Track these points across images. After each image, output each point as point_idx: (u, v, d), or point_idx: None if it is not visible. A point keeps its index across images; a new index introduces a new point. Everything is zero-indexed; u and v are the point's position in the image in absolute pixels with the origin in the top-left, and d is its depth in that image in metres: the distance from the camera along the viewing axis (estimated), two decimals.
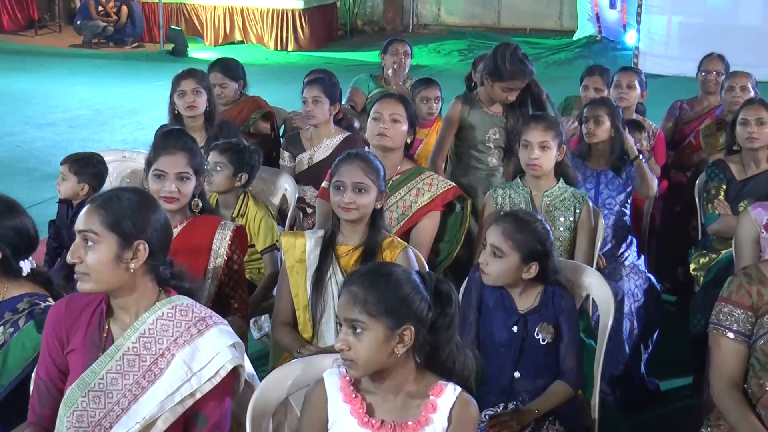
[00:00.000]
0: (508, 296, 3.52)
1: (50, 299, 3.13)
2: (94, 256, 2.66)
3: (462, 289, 3.74)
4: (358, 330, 2.52)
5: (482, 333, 3.56)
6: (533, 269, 3.47)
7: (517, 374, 3.45)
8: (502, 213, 3.71)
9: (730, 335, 3.12)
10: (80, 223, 2.70)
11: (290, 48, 17.27)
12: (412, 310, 2.56)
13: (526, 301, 3.52)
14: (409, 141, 4.47)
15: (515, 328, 3.48)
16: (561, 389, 3.46)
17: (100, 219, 2.68)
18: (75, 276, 2.70)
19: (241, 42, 17.63)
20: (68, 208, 4.81)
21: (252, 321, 4.99)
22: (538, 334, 3.47)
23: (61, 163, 4.83)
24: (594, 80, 6.35)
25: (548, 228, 3.57)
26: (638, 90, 6.11)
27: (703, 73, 6.53)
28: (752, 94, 5.82)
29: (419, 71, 12.02)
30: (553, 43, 17.64)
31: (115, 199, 2.73)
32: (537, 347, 3.47)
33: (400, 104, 4.46)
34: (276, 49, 17.23)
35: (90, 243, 2.67)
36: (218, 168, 4.56)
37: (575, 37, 17.52)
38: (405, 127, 4.41)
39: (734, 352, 3.12)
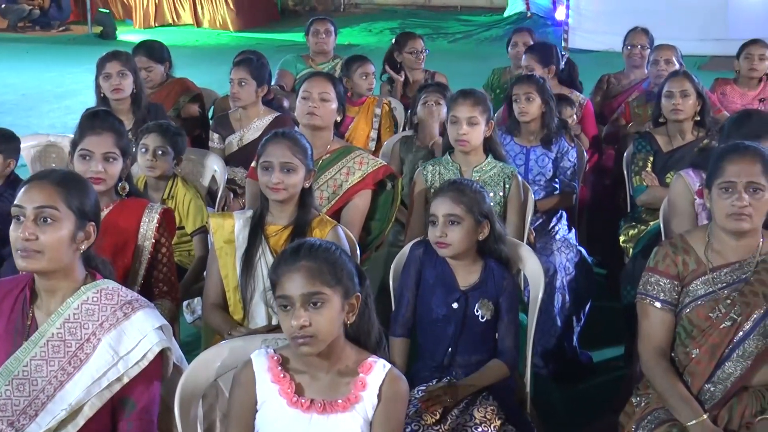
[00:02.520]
0: (449, 273, 3.52)
1: None
2: (54, 234, 2.62)
3: (392, 267, 3.74)
4: (318, 303, 2.52)
5: (419, 309, 3.56)
6: (486, 228, 3.51)
7: (452, 350, 3.46)
8: (437, 187, 3.70)
9: (657, 304, 3.17)
10: (37, 199, 2.64)
11: (222, 29, 17.10)
12: (354, 280, 2.62)
13: (467, 277, 3.52)
14: (338, 119, 4.47)
15: (455, 305, 3.47)
16: (497, 367, 3.47)
17: (61, 197, 2.65)
18: (20, 254, 2.63)
19: (172, 24, 17.42)
20: None
21: (185, 304, 4.96)
22: (477, 311, 3.46)
23: None
24: (522, 35, 6.64)
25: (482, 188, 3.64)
26: (541, 68, 6.12)
27: (628, 47, 6.61)
28: (677, 67, 5.91)
29: (350, 50, 11.97)
30: (484, 20, 17.70)
31: (71, 179, 2.72)
32: (476, 324, 3.48)
33: (328, 83, 4.45)
34: (209, 28, 17.05)
35: (49, 221, 2.63)
36: (161, 152, 4.51)
37: (506, 14, 17.60)
38: (334, 105, 4.41)
39: (661, 321, 3.17)
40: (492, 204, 4.34)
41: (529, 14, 17.21)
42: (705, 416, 2.96)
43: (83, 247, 2.70)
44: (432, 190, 4.44)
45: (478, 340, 3.49)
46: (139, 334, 2.66)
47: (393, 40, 6.97)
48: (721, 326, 3.07)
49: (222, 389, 2.87)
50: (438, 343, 3.49)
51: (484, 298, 3.48)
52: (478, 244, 3.54)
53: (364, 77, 6.00)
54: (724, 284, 3.12)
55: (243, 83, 5.41)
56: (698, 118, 5.01)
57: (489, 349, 3.51)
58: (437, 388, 3.34)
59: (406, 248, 3.74)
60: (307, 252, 2.58)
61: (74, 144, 3.81)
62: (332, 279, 2.54)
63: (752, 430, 2.93)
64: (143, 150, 4.51)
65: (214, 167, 5.13)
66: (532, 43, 6.48)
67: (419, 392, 3.33)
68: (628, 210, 5.29)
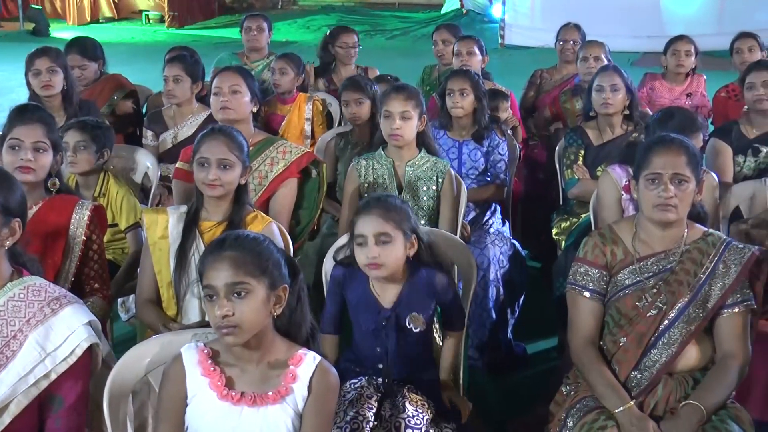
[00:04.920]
0: (370, 294, 3.38)
1: None
2: None
3: (326, 259, 3.75)
4: (243, 293, 2.52)
5: (351, 317, 3.49)
6: (415, 242, 3.37)
7: (380, 366, 3.38)
8: (362, 203, 3.58)
9: (587, 294, 3.22)
10: None
11: (159, 26, 16.96)
12: (282, 272, 2.62)
13: (392, 293, 3.38)
14: (254, 110, 4.48)
15: (384, 322, 3.36)
16: (452, 339, 3.55)
17: None
18: None
19: (108, 20, 17.23)
20: None
21: (119, 302, 4.92)
22: (409, 324, 3.35)
23: None
24: (440, 33, 6.70)
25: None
26: (479, 56, 6.21)
27: (561, 43, 6.69)
28: (605, 63, 5.97)
29: (289, 48, 11.97)
30: (422, 17, 17.81)
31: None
32: (410, 335, 3.38)
33: (238, 75, 4.49)
34: (145, 24, 16.90)
35: None
36: (81, 147, 4.46)
37: (443, 11, 17.72)
38: (247, 97, 4.44)
39: (590, 310, 3.23)
40: (425, 198, 4.40)
41: (465, 11, 17.32)
42: (631, 403, 3.01)
43: (8, 243, 2.67)
44: (366, 185, 4.46)
45: (413, 352, 3.42)
46: (67, 330, 2.63)
47: (327, 33, 6.97)
48: (648, 315, 3.14)
49: (153, 385, 2.85)
50: (372, 350, 3.41)
51: (413, 312, 3.35)
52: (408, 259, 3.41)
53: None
54: (651, 274, 3.18)
55: (178, 80, 5.37)
56: (627, 113, 5.08)
57: (423, 358, 3.48)
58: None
59: (340, 241, 3.73)
60: (232, 242, 2.58)
61: (2, 138, 3.75)
62: (257, 269, 2.55)
63: (676, 415, 2.98)
64: (65, 147, 4.46)
65: (147, 164, 5.10)
66: (452, 40, 6.56)
67: (351, 386, 3.32)
68: (561, 203, 5.36)
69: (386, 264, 3.28)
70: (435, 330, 3.68)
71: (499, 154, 5.14)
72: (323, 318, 3.54)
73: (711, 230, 3.28)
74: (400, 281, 3.38)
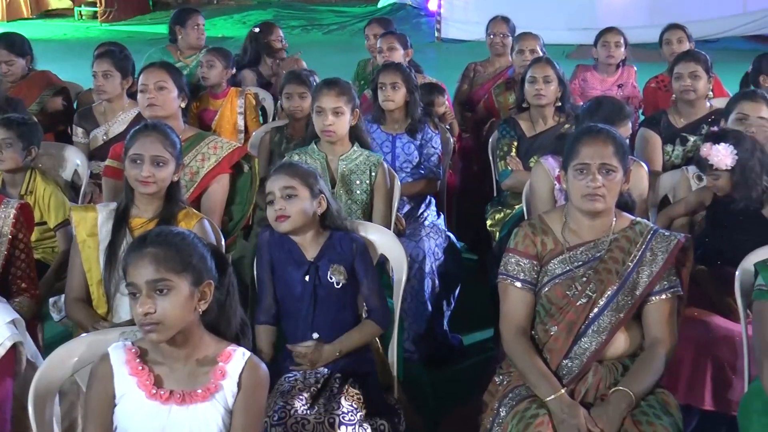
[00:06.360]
0: (296, 248, 3.55)
1: None
2: None
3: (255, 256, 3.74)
4: (165, 290, 2.50)
5: (279, 292, 3.57)
6: (323, 202, 3.56)
7: (315, 335, 3.46)
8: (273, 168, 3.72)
9: (518, 284, 3.24)
10: None
11: (92, 22, 16.75)
12: (208, 267, 2.60)
13: (313, 248, 3.55)
14: (182, 106, 4.45)
15: (307, 277, 3.50)
16: (369, 326, 3.56)
17: None
18: None
19: (41, 16, 16.97)
20: None
21: (51, 302, 4.83)
22: (331, 278, 3.50)
23: None
24: (372, 28, 6.86)
25: None
26: (401, 51, 6.23)
27: (491, 36, 6.73)
28: (540, 55, 6.02)
29: (225, 43, 11.86)
30: (359, 11, 17.79)
31: None
32: (332, 293, 3.50)
33: (164, 71, 4.46)
34: (77, 20, 16.69)
35: None
36: (7, 144, 4.39)
37: (380, 5, 17.73)
38: (174, 93, 4.41)
39: (521, 300, 3.24)
40: (359, 192, 4.40)
41: (403, 4, 17.34)
42: (563, 391, 3.04)
43: None
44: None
45: (336, 318, 3.51)
46: None
47: (257, 29, 6.93)
48: (578, 303, 3.16)
49: (81, 385, 2.81)
50: (298, 324, 3.50)
51: (334, 263, 3.52)
52: (321, 220, 3.58)
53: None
54: (580, 263, 3.21)
55: (107, 75, 5.29)
56: (559, 104, 5.12)
57: (350, 323, 3.55)
58: (303, 347, 3.39)
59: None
60: (154, 239, 2.56)
61: None
62: (179, 266, 2.52)
63: (606, 401, 3.01)
64: None
65: (76, 161, 5.03)
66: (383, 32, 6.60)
67: (286, 380, 3.33)
68: (495, 195, 5.39)
69: (292, 216, 3.48)
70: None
71: (433, 147, 5.16)
72: (258, 308, 3.56)
73: (638, 219, 3.32)
74: (319, 238, 3.58)
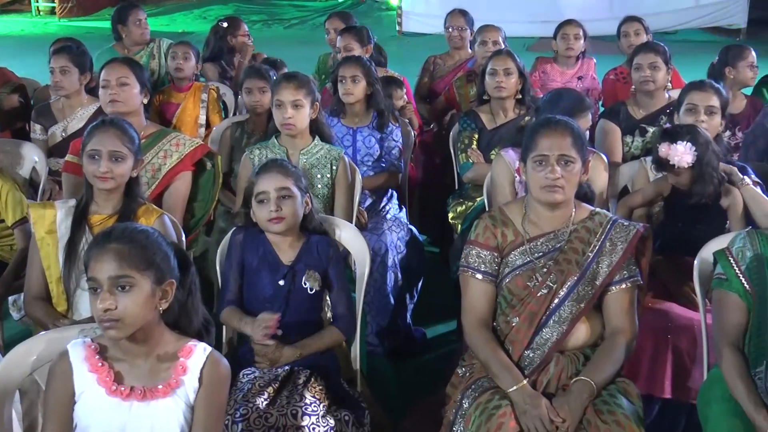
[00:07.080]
0: (271, 250, 3.53)
1: None
2: None
3: (218, 252, 3.72)
4: (127, 287, 2.47)
5: (247, 293, 3.55)
6: (309, 202, 3.59)
7: (279, 332, 3.44)
8: (261, 166, 3.68)
9: (479, 276, 3.25)
10: None
11: (50, 17, 16.59)
12: (171, 266, 2.58)
13: (290, 253, 3.54)
14: (145, 102, 4.41)
15: (282, 282, 3.48)
16: (332, 333, 3.55)
17: None
18: None
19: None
20: None
21: (11, 301, 4.80)
22: (305, 283, 3.49)
23: None
24: (332, 21, 6.87)
25: None
26: (358, 50, 6.21)
27: (449, 29, 6.77)
28: (503, 47, 6.04)
29: (184, 38, 11.78)
30: (320, 5, 17.79)
31: None
32: (303, 298, 3.50)
33: (126, 67, 4.41)
34: (35, 16, 16.51)
35: None
36: None
37: None
38: (136, 89, 4.37)
39: (483, 292, 3.25)
40: (320, 186, 4.40)
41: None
42: (525, 382, 3.05)
43: None
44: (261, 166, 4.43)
45: (304, 319, 3.51)
46: None
47: (224, 24, 6.90)
48: (539, 294, 3.18)
49: (40, 383, 2.78)
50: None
51: (310, 269, 3.51)
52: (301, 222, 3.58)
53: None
54: (541, 254, 3.23)
55: (65, 71, 5.24)
56: (520, 96, 5.14)
57: (314, 326, 3.55)
58: (265, 347, 3.37)
59: (229, 234, 3.72)
60: (118, 235, 2.53)
61: None
62: (142, 263, 2.50)
63: (568, 391, 3.03)
64: None
65: (34, 158, 4.97)
66: (344, 26, 6.58)
67: (246, 375, 3.32)
68: (456, 187, 5.40)
69: (287, 218, 3.48)
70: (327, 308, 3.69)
71: (393, 140, 5.17)
72: (222, 297, 3.55)
73: (597, 209, 3.35)
74: (297, 242, 3.56)
